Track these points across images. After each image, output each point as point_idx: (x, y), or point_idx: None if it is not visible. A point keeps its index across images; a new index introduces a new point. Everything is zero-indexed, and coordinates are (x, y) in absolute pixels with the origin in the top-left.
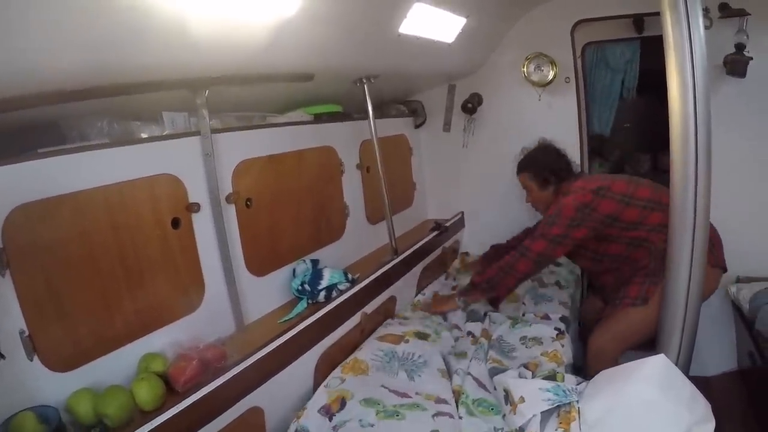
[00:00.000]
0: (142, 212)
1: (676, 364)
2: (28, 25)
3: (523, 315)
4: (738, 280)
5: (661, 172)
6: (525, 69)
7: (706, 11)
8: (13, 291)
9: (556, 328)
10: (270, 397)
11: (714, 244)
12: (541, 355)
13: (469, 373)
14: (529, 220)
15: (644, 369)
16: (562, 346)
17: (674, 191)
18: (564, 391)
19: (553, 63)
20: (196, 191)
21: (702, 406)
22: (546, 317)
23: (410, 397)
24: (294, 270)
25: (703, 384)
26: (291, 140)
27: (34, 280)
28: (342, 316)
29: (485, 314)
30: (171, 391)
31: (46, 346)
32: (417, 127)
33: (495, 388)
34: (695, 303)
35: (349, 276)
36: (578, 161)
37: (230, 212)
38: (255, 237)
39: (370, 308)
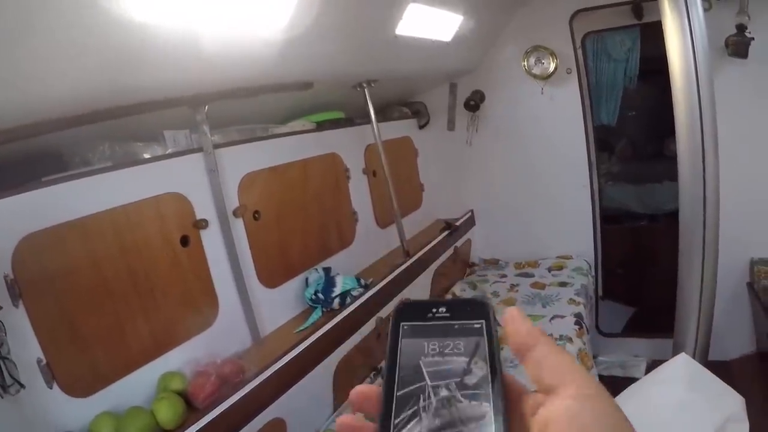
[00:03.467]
0: (150, 232)
1: (695, 350)
2: (27, 56)
3: None
4: (753, 262)
5: (667, 158)
6: (525, 63)
7: None
8: (28, 321)
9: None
10: (291, 407)
11: None
12: None
13: None
14: (538, 214)
15: (667, 371)
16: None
17: (682, 176)
18: None
19: (553, 55)
20: (203, 207)
21: (735, 402)
22: None
23: None
24: (307, 279)
25: (722, 368)
26: (295, 150)
27: (47, 309)
28: (358, 322)
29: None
30: (191, 408)
31: (64, 373)
32: (421, 127)
33: None
34: (710, 288)
35: (362, 281)
36: (585, 153)
37: (239, 226)
38: (265, 249)
39: (385, 312)
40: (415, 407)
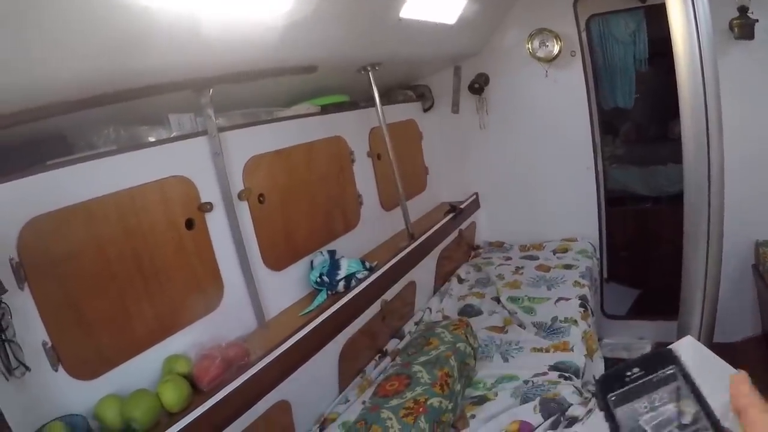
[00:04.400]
0: (155, 216)
1: (700, 332)
2: (31, 39)
3: None
4: (758, 244)
5: (672, 140)
6: (530, 45)
7: None
8: (33, 304)
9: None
10: (296, 389)
11: None
12: None
13: None
14: (543, 196)
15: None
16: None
17: (687, 158)
18: None
19: (557, 38)
20: (208, 191)
21: None
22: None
23: None
24: (311, 262)
25: (728, 350)
26: (299, 133)
27: (52, 292)
28: (362, 305)
29: None
30: (196, 391)
31: (69, 356)
32: (425, 110)
33: None
34: (715, 270)
35: (367, 264)
36: (589, 136)
37: (243, 209)
38: (270, 232)
39: (389, 295)
40: None
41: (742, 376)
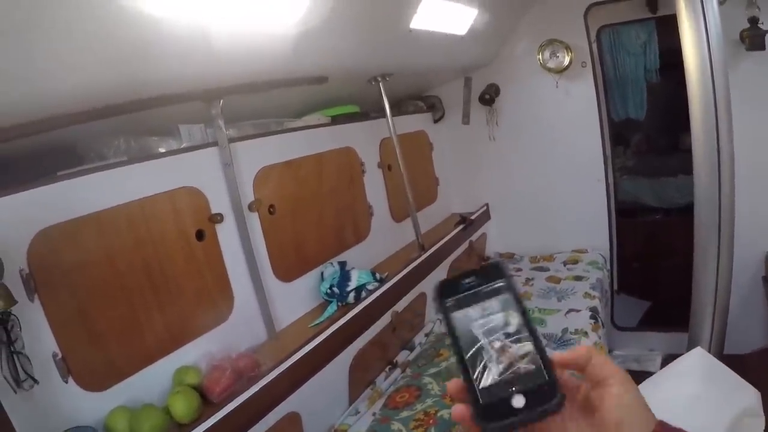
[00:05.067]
0: (166, 227)
1: (710, 344)
2: (40, 50)
3: None
4: None
5: (683, 151)
6: (540, 56)
7: None
8: (43, 315)
9: None
10: (306, 401)
11: None
12: None
13: None
14: (553, 207)
15: (682, 365)
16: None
17: (698, 170)
18: None
19: (568, 48)
20: (218, 202)
21: (750, 396)
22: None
23: None
24: (322, 273)
25: (737, 362)
26: (310, 144)
27: (63, 303)
28: (373, 316)
29: None
30: (207, 402)
31: (79, 367)
32: (436, 121)
33: None
34: (725, 282)
35: (378, 275)
36: (600, 147)
37: (254, 220)
38: (280, 243)
39: (400, 306)
40: (483, 361)
41: (591, 347)
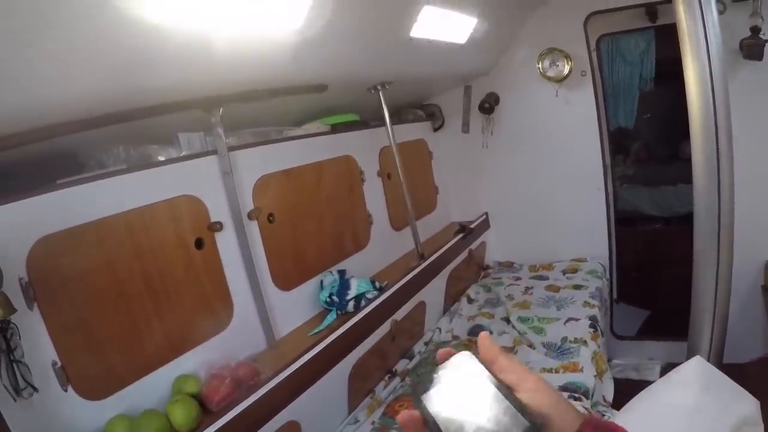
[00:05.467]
0: (165, 235)
1: (709, 353)
2: (39, 58)
3: None
4: None
5: (682, 160)
6: (540, 65)
7: None
8: (43, 324)
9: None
10: (305, 410)
11: None
12: None
13: None
14: (553, 216)
15: (681, 374)
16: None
17: (697, 179)
18: None
19: (568, 57)
20: (218, 210)
21: (750, 405)
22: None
23: None
24: (321, 282)
25: (737, 371)
26: (309, 152)
27: (62, 312)
28: (372, 325)
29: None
30: (206, 411)
31: (79, 376)
32: (435, 130)
33: None
34: (725, 291)
35: (377, 284)
36: (599, 156)
37: (253, 229)
38: (280, 252)
39: (399, 315)
40: None
41: (485, 333)
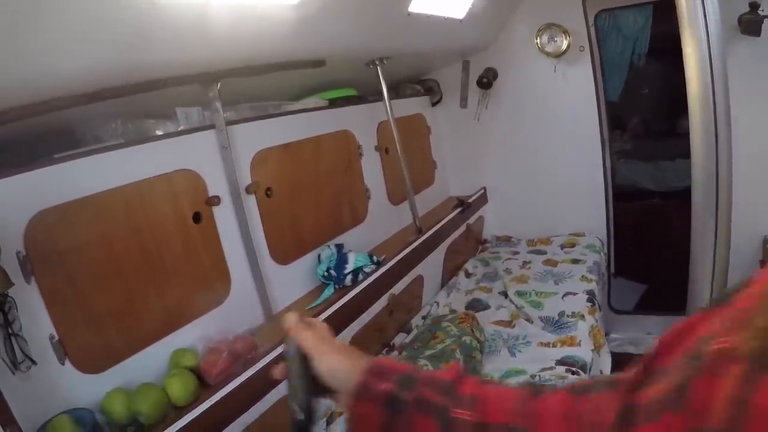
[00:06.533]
0: (163, 209)
1: None
2: (37, 33)
3: None
4: (766, 240)
5: (680, 135)
6: (538, 40)
7: None
8: (40, 297)
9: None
10: None
11: None
12: None
13: None
14: (551, 191)
15: None
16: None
17: (695, 154)
18: None
19: (566, 33)
20: (216, 184)
21: None
22: None
23: None
24: (319, 256)
25: None
26: (307, 127)
27: (59, 285)
28: (370, 299)
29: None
30: (203, 384)
31: (76, 350)
32: (434, 105)
33: None
34: (723, 265)
35: (375, 258)
36: (597, 131)
37: (251, 203)
38: (278, 226)
39: (397, 289)
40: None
41: (292, 314)
